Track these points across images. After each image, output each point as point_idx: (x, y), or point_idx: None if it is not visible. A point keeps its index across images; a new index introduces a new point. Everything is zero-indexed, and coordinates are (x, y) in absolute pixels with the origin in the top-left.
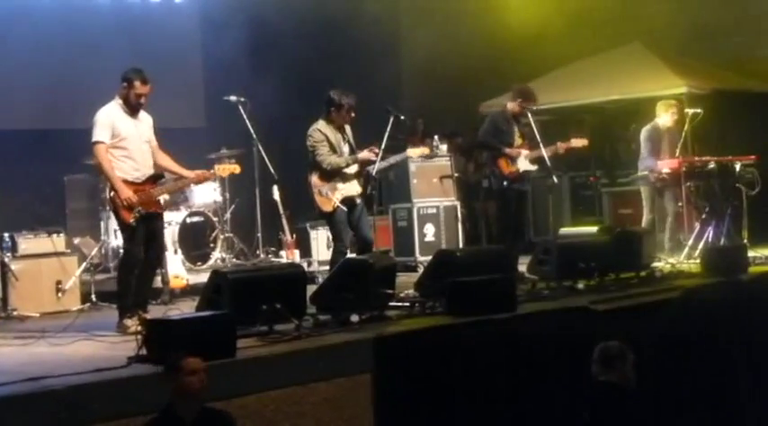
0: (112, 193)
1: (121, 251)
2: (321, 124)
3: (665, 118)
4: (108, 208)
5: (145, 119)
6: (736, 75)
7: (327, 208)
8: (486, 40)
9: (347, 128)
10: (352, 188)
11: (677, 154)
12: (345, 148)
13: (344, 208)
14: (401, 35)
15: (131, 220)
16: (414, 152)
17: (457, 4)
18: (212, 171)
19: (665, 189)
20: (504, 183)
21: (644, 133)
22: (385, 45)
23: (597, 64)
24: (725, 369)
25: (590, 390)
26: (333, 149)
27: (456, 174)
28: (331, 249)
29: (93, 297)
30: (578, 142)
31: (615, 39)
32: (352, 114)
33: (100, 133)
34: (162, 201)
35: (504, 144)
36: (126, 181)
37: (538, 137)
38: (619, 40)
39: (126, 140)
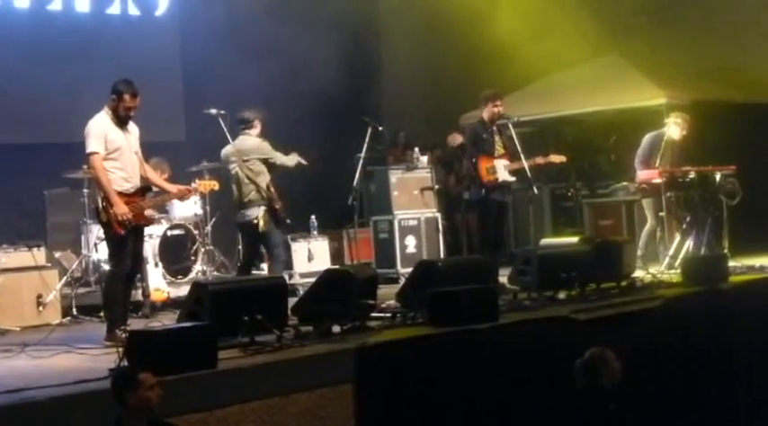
0: (104, 204)
1: (102, 265)
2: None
3: (672, 129)
4: (97, 219)
5: (133, 130)
6: (715, 86)
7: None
8: (466, 54)
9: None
10: None
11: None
12: None
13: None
14: (381, 49)
15: (122, 231)
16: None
17: (437, 18)
18: (194, 186)
19: (644, 198)
20: (483, 192)
21: (646, 138)
22: (365, 59)
23: (576, 76)
24: (705, 378)
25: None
26: None
27: (437, 186)
28: (312, 262)
29: (74, 311)
30: (557, 158)
31: (594, 51)
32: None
33: (94, 144)
34: (148, 214)
35: (485, 152)
36: (118, 193)
37: (519, 149)
38: (597, 52)
39: (118, 151)
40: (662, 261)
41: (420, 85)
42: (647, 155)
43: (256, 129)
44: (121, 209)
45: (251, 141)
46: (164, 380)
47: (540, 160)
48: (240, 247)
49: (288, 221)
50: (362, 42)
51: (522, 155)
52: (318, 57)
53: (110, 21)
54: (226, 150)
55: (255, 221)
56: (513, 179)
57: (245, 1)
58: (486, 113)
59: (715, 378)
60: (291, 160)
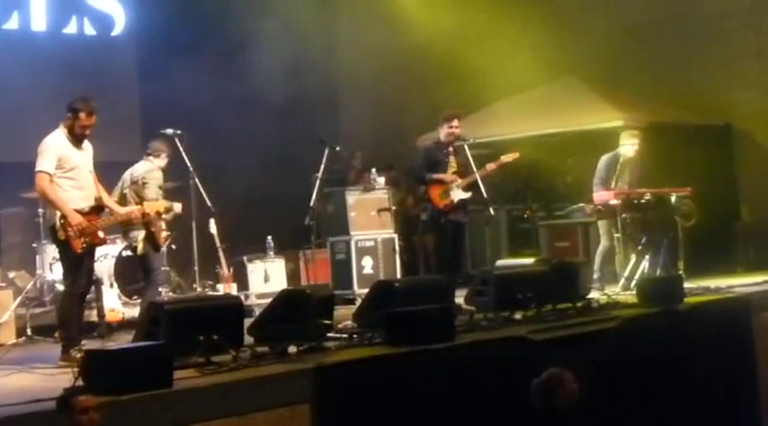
0: (62, 221)
1: (57, 285)
2: (155, 165)
3: (626, 148)
4: (53, 238)
5: (87, 148)
6: (671, 109)
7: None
8: (423, 75)
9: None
10: None
11: (630, 185)
12: None
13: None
14: (339, 70)
15: (80, 249)
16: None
17: (394, 41)
18: (141, 208)
19: (600, 220)
20: (440, 216)
21: (602, 160)
22: (322, 80)
23: (534, 97)
24: (661, 398)
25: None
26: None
27: (394, 207)
28: (268, 283)
29: (29, 331)
30: (508, 157)
31: (552, 73)
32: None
33: (45, 162)
34: (102, 234)
35: (438, 174)
36: (75, 211)
37: (471, 163)
38: (555, 74)
39: (74, 170)
40: (618, 282)
41: (377, 107)
42: (604, 178)
43: (159, 159)
44: (76, 219)
45: (145, 167)
46: (118, 400)
47: (491, 165)
48: None
49: (166, 248)
50: (320, 65)
51: (474, 168)
52: (275, 79)
53: (66, 40)
54: (125, 173)
55: (135, 243)
56: (468, 195)
57: (202, 22)
58: (442, 134)
59: (671, 398)
60: (160, 204)
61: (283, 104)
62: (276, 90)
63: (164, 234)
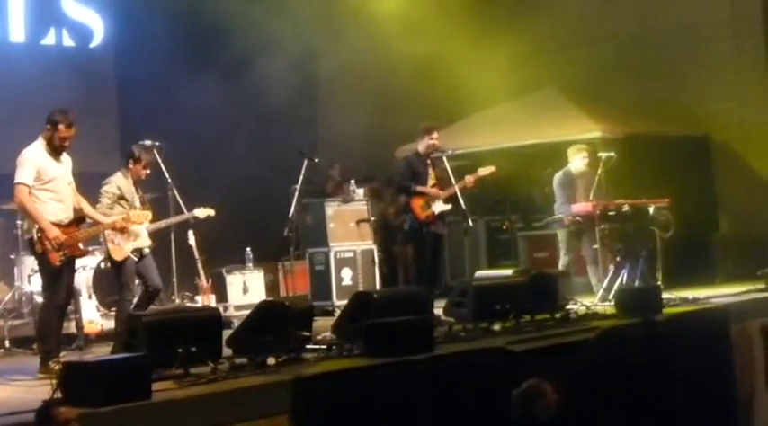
0: (39, 234)
1: (36, 296)
2: (117, 176)
3: (576, 162)
4: (31, 250)
5: (66, 160)
6: (648, 120)
7: (119, 257)
8: (402, 86)
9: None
10: (144, 241)
11: (591, 197)
12: (137, 203)
13: (135, 258)
14: (317, 81)
15: (58, 262)
16: (201, 212)
17: (373, 53)
18: (127, 217)
19: (581, 233)
20: (421, 227)
21: (556, 180)
22: (301, 92)
23: (512, 109)
24: (639, 409)
25: None
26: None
27: (373, 218)
28: (247, 294)
29: (7, 343)
30: (485, 170)
31: (530, 85)
32: (148, 171)
33: (24, 174)
34: (83, 246)
35: (420, 186)
36: (53, 223)
37: (451, 176)
38: (533, 86)
39: (53, 182)
40: (592, 293)
41: (356, 118)
42: (569, 194)
43: (127, 169)
44: (53, 233)
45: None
46: (97, 412)
47: (469, 178)
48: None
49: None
50: (299, 77)
51: (453, 181)
52: (254, 90)
53: (45, 51)
54: None
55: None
56: (448, 207)
57: (180, 33)
58: (421, 146)
59: (650, 409)
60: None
61: (262, 116)
62: (255, 101)
63: (125, 248)
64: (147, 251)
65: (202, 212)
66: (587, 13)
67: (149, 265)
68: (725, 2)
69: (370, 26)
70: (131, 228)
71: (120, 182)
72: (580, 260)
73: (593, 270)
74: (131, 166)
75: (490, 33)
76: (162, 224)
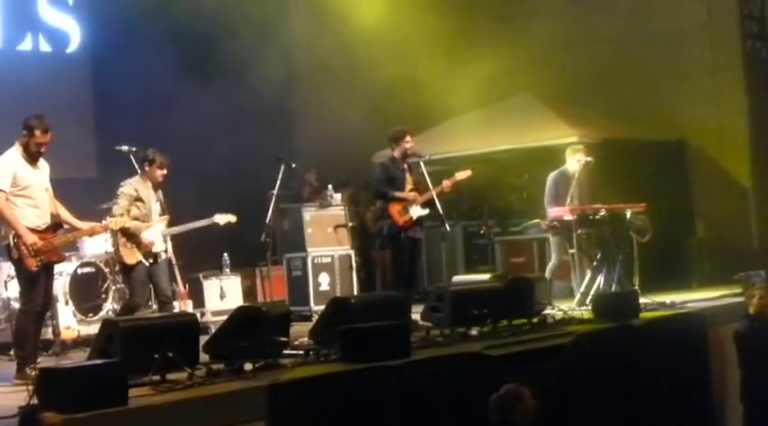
0: (15, 240)
1: (12, 302)
2: (135, 179)
3: (572, 163)
4: (8, 256)
5: (43, 166)
6: (625, 125)
7: (131, 260)
8: (378, 91)
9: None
10: (158, 245)
11: (584, 199)
12: (156, 207)
13: (146, 263)
14: (293, 87)
15: (35, 268)
16: (221, 218)
17: (349, 57)
18: (105, 223)
19: (553, 236)
20: (399, 232)
21: (550, 178)
22: (277, 97)
23: (489, 114)
24: (615, 412)
25: None
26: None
27: (350, 223)
28: (224, 299)
29: None
30: (462, 174)
31: (506, 90)
32: (164, 171)
33: (1, 180)
34: (60, 251)
35: (397, 191)
36: (29, 229)
37: (428, 180)
38: (510, 91)
39: (29, 188)
40: (573, 298)
41: (332, 124)
42: (555, 195)
43: (145, 173)
44: (30, 239)
45: (128, 180)
46: (74, 418)
47: (446, 183)
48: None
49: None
50: (274, 81)
51: (431, 186)
52: (230, 95)
53: (21, 57)
54: None
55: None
56: (426, 211)
57: (157, 39)
58: (397, 151)
59: (625, 413)
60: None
61: (238, 121)
62: (231, 106)
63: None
64: (163, 255)
65: (223, 218)
66: (564, 19)
67: (160, 272)
68: (701, 8)
69: (345, 30)
70: (141, 235)
71: (137, 185)
72: (563, 264)
73: (575, 275)
74: (147, 169)
75: (468, 39)
76: (180, 228)
